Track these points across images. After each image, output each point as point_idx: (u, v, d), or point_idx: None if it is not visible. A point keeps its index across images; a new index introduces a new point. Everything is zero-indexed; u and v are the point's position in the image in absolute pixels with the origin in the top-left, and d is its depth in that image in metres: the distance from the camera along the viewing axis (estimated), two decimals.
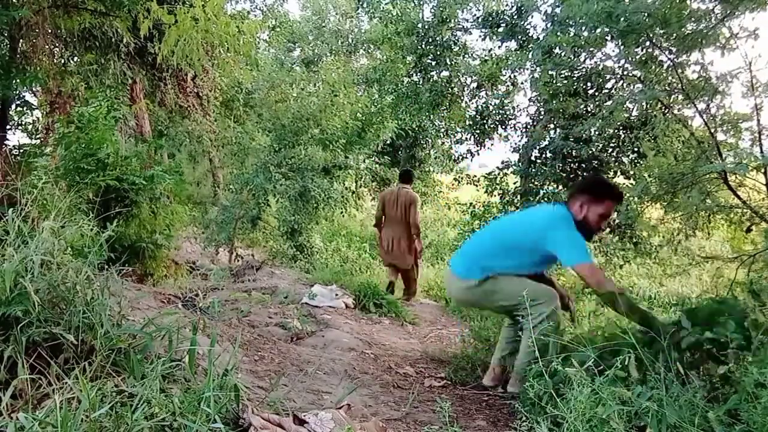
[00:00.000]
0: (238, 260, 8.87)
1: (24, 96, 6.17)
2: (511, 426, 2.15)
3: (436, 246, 12.67)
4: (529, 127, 8.48)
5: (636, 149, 7.13)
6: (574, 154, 7.44)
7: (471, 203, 9.17)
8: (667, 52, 5.08)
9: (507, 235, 3.09)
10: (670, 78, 5.31)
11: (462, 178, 10.25)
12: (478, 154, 9.38)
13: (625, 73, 6.36)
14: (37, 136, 7.11)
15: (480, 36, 8.71)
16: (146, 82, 8.42)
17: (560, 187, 7.71)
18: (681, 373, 1.95)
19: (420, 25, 9.26)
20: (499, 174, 8.71)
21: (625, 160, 7.58)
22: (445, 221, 14.44)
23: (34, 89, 7.18)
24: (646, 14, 4.62)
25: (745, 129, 4.43)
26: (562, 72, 6.94)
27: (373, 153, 12.43)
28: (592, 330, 3.19)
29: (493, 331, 4.04)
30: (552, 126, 7.87)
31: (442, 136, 12.92)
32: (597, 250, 7.39)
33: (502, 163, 8.69)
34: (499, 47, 8.71)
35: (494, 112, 8.87)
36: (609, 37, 5.78)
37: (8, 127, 5.67)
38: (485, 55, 9.04)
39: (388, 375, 3.43)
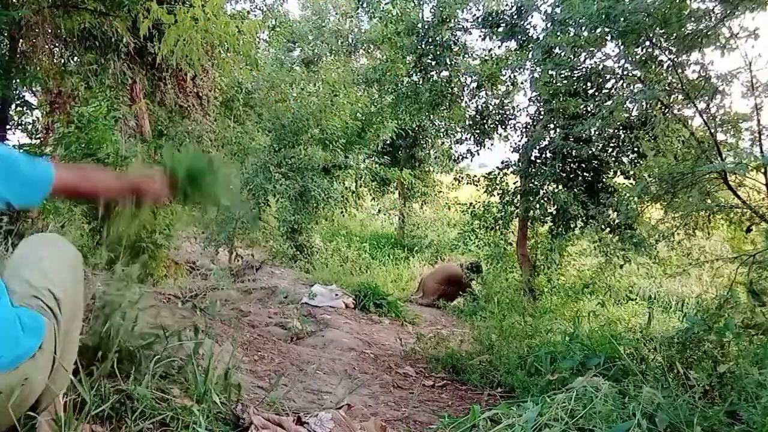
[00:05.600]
0: (238, 260, 8.87)
1: (24, 96, 6.16)
2: None
3: (436, 246, 12.69)
4: (529, 127, 8.47)
5: (636, 149, 7.12)
6: (574, 154, 7.44)
7: (471, 203, 9.16)
8: (667, 52, 5.08)
9: None
10: (670, 78, 5.30)
11: (462, 178, 10.23)
12: (478, 154, 9.37)
13: (625, 73, 6.36)
14: (37, 136, 7.10)
15: (480, 36, 8.69)
16: (146, 82, 8.40)
17: (560, 187, 7.71)
18: (680, 373, 1.95)
19: (420, 25, 9.24)
20: (499, 174, 8.71)
21: (625, 160, 7.58)
22: (445, 221, 14.45)
23: (34, 89, 7.17)
24: (645, 14, 4.62)
25: (745, 129, 4.43)
26: (562, 72, 6.93)
27: (373, 153, 12.43)
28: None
29: (495, 332, 4.03)
30: (552, 126, 7.86)
31: (442, 136, 12.91)
32: (597, 250, 7.36)
33: (502, 163, 8.69)
34: (499, 47, 8.70)
35: (494, 112, 8.86)
36: (609, 37, 5.77)
37: (8, 127, 5.66)
38: (485, 55, 9.02)
39: (388, 375, 3.43)
